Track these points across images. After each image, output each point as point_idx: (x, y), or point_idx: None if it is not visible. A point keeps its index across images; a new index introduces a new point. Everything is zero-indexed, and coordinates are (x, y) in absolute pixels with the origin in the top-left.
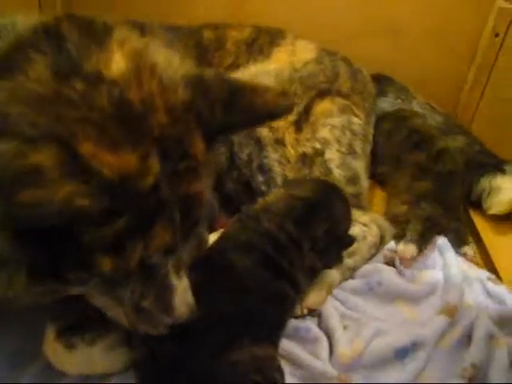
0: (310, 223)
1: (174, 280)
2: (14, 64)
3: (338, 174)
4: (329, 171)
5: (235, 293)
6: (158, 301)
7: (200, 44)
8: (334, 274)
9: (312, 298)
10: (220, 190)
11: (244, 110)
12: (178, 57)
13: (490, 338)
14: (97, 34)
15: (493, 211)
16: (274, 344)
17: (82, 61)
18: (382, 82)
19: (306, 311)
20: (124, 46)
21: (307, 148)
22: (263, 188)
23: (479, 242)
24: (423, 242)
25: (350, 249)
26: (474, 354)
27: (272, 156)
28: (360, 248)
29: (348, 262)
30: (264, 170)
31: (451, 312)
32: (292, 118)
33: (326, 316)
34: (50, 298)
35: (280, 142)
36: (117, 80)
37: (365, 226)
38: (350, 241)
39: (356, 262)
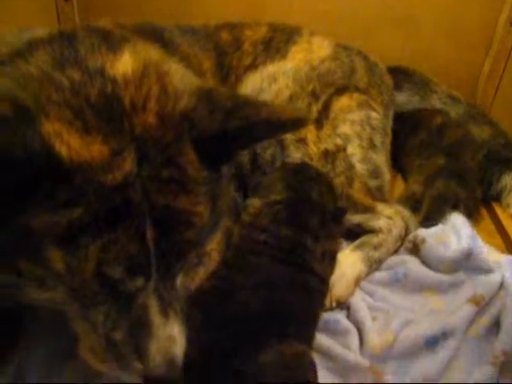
0: (300, 221)
1: (157, 318)
2: (19, 55)
3: (360, 168)
4: (351, 166)
5: (262, 290)
6: (131, 337)
7: (218, 46)
8: (360, 266)
9: (340, 291)
10: (243, 190)
11: (246, 117)
12: (191, 73)
13: None
14: (113, 40)
15: None
16: (305, 340)
17: (88, 57)
18: (398, 75)
19: (334, 304)
20: (139, 53)
21: (329, 144)
22: None
23: (504, 232)
24: (436, 219)
25: (376, 241)
26: (504, 340)
27: (295, 155)
28: (386, 240)
29: (374, 254)
30: None
31: (478, 301)
32: (312, 115)
33: (354, 308)
34: (11, 295)
35: (302, 141)
36: (117, 78)
37: (389, 218)
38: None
39: (382, 254)
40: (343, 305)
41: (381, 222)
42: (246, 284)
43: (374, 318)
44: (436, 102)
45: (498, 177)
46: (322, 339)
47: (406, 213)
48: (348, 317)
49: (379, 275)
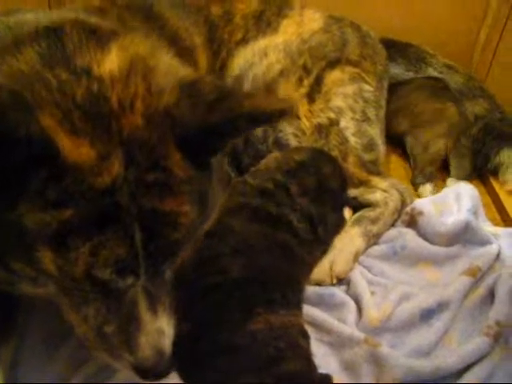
0: (298, 173)
1: (145, 314)
2: (8, 52)
3: (354, 141)
4: (345, 139)
5: (240, 254)
6: (121, 331)
7: (209, 20)
8: (359, 241)
9: (340, 267)
10: (237, 167)
11: (228, 110)
12: (178, 64)
13: None
14: (101, 37)
15: (511, 187)
16: (293, 308)
17: (76, 56)
18: (390, 49)
19: (335, 281)
20: (126, 49)
21: (322, 118)
22: None
23: (500, 206)
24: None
25: (373, 215)
26: (498, 310)
27: (287, 130)
28: (383, 214)
29: (372, 228)
30: (280, 144)
31: (474, 272)
32: (304, 90)
33: (354, 283)
34: (12, 290)
35: (294, 115)
36: (103, 78)
37: (385, 191)
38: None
39: (380, 228)
40: (343, 280)
41: (377, 196)
42: (223, 251)
43: (372, 293)
44: (433, 74)
45: (496, 151)
46: (316, 312)
47: (401, 185)
48: (347, 291)
49: (377, 249)
